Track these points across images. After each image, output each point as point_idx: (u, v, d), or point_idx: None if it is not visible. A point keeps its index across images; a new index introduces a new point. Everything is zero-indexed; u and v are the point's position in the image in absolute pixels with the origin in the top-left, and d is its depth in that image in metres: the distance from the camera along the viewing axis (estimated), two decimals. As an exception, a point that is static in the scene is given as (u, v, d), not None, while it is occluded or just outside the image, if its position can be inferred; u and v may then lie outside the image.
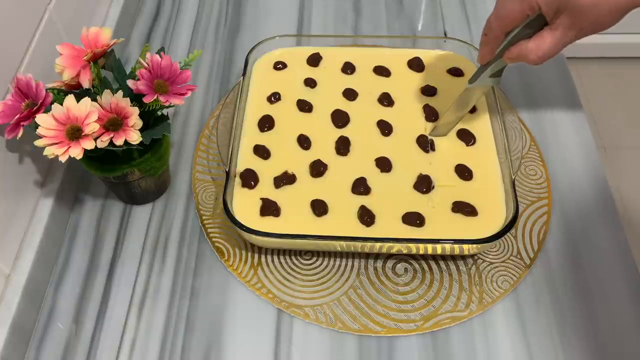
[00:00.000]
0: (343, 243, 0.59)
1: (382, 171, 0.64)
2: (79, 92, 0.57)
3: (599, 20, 0.52)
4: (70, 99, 0.53)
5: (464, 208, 0.60)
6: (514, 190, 0.59)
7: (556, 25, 0.53)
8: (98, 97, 0.55)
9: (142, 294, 0.61)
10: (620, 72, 1.89)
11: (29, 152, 0.60)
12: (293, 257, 0.62)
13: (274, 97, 0.70)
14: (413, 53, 0.75)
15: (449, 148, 0.66)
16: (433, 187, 0.62)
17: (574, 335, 0.57)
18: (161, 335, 0.58)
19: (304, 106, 0.70)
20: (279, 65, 0.74)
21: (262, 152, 0.65)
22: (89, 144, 0.52)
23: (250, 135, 0.67)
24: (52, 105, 0.52)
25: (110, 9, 0.80)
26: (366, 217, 0.60)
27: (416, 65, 0.73)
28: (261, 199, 0.61)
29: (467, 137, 0.66)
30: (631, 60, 1.90)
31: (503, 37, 0.57)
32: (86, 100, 0.53)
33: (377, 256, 0.62)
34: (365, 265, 0.62)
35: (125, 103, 0.54)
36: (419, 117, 0.69)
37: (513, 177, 0.60)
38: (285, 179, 0.63)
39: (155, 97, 0.55)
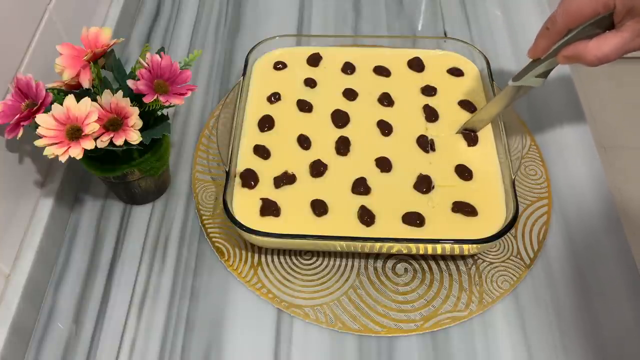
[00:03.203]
0: (343, 243, 0.59)
1: (382, 171, 0.64)
2: (79, 92, 0.57)
3: None
4: (70, 99, 0.53)
5: (463, 208, 0.60)
6: (514, 190, 0.59)
7: (625, 28, 0.50)
8: (98, 97, 0.55)
9: (142, 294, 0.61)
10: (620, 72, 1.89)
11: (29, 152, 0.60)
12: (293, 257, 0.63)
13: (274, 97, 0.70)
14: (413, 53, 0.75)
15: (449, 148, 0.66)
16: (433, 187, 0.62)
17: (573, 335, 0.57)
18: (161, 335, 0.58)
19: (304, 106, 0.70)
20: (279, 65, 0.74)
21: (262, 152, 0.65)
22: (89, 144, 0.52)
23: (250, 135, 0.67)
24: (52, 105, 0.52)
25: (110, 9, 0.80)
26: (366, 217, 0.60)
27: (416, 65, 0.73)
28: (261, 199, 0.61)
29: (467, 137, 0.66)
30: (631, 60, 1.90)
31: (565, 33, 0.55)
32: (86, 100, 0.53)
33: (377, 256, 0.62)
34: (365, 265, 0.62)
35: (125, 103, 0.54)
36: (419, 117, 0.69)
37: (513, 177, 0.60)
38: (285, 179, 0.63)
39: (155, 97, 0.55)
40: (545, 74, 0.59)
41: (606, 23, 0.52)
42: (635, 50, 0.52)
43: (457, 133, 0.67)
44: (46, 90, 0.54)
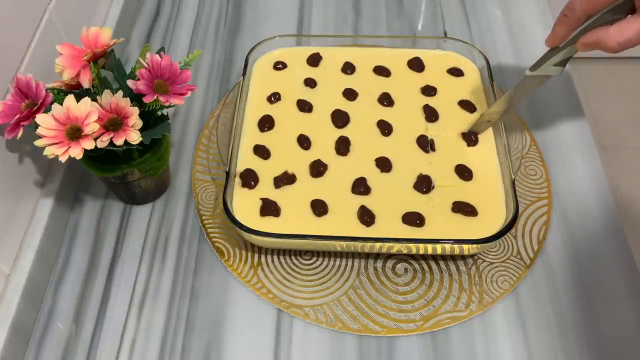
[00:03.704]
0: (343, 243, 0.59)
1: (382, 171, 0.64)
2: (79, 92, 0.57)
3: None
4: (70, 99, 0.53)
5: (463, 208, 0.60)
6: (514, 190, 0.59)
7: None
8: (98, 97, 0.55)
9: (142, 294, 0.61)
10: (620, 72, 1.89)
11: (29, 152, 0.60)
12: (293, 257, 0.63)
13: (274, 97, 0.70)
14: (413, 53, 0.75)
15: (449, 148, 0.66)
16: (433, 187, 0.62)
17: (573, 335, 0.57)
18: (161, 335, 0.58)
19: (304, 106, 0.70)
20: (279, 65, 0.74)
21: (262, 152, 0.65)
22: (89, 144, 0.52)
23: (250, 135, 0.67)
24: (52, 105, 0.52)
25: (110, 9, 0.80)
26: (366, 217, 0.60)
27: (416, 65, 0.73)
28: (261, 199, 0.61)
29: (467, 137, 0.66)
30: (631, 60, 1.90)
31: (584, 20, 0.54)
32: (86, 100, 0.53)
33: (377, 256, 0.62)
34: (365, 265, 0.62)
35: (125, 103, 0.54)
36: (419, 117, 0.69)
37: (513, 177, 0.60)
38: (285, 179, 0.63)
39: (155, 97, 0.55)
40: (563, 63, 0.58)
41: (627, 8, 0.51)
42: None
43: (470, 129, 0.66)
44: (46, 90, 0.54)
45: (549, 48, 0.59)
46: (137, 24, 0.86)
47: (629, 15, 0.51)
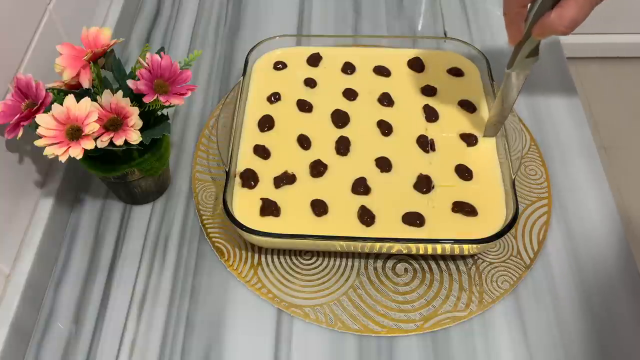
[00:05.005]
0: (343, 243, 0.59)
1: (382, 171, 0.64)
2: (79, 92, 0.57)
3: None
4: (70, 99, 0.53)
5: (464, 208, 0.60)
6: (514, 190, 0.59)
7: None
8: (98, 97, 0.55)
9: (142, 294, 0.61)
10: (620, 72, 1.89)
11: (29, 152, 0.60)
12: (293, 257, 0.63)
13: (274, 97, 0.70)
14: (413, 53, 0.75)
15: (449, 148, 0.66)
16: (433, 187, 0.62)
17: (574, 334, 0.57)
18: (161, 335, 0.58)
19: (304, 106, 0.70)
20: (279, 65, 0.74)
21: (262, 152, 0.65)
22: (89, 144, 0.52)
23: (250, 135, 0.67)
24: (52, 105, 0.52)
25: (110, 9, 0.80)
26: (366, 217, 0.60)
27: (416, 65, 0.73)
28: (261, 199, 0.61)
29: (467, 137, 0.66)
30: (631, 60, 1.90)
31: (525, 12, 0.53)
32: (86, 100, 0.53)
33: (377, 256, 0.62)
34: (365, 265, 0.62)
35: (125, 103, 0.54)
36: (419, 117, 0.69)
37: (513, 177, 0.60)
38: (285, 179, 0.63)
39: (155, 97, 0.55)
40: (534, 53, 0.57)
41: None
42: (598, 3, 0.50)
43: (484, 135, 0.66)
44: (46, 90, 0.54)
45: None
46: (137, 24, 0.86)
47: None
